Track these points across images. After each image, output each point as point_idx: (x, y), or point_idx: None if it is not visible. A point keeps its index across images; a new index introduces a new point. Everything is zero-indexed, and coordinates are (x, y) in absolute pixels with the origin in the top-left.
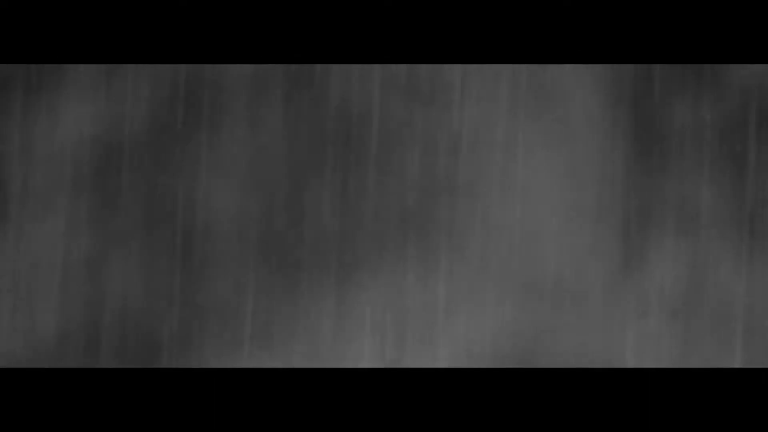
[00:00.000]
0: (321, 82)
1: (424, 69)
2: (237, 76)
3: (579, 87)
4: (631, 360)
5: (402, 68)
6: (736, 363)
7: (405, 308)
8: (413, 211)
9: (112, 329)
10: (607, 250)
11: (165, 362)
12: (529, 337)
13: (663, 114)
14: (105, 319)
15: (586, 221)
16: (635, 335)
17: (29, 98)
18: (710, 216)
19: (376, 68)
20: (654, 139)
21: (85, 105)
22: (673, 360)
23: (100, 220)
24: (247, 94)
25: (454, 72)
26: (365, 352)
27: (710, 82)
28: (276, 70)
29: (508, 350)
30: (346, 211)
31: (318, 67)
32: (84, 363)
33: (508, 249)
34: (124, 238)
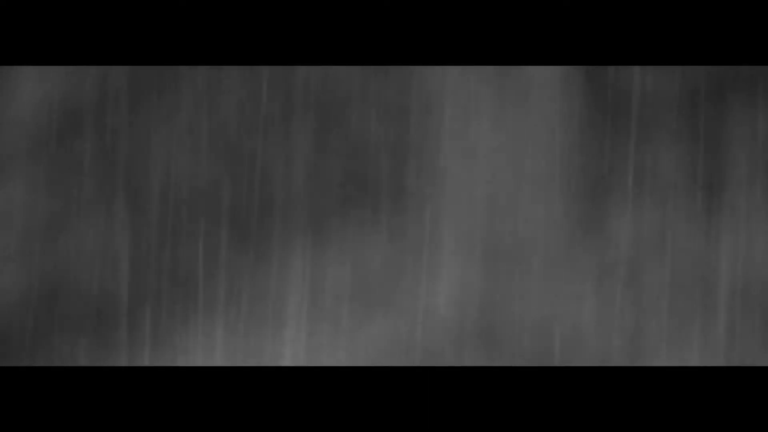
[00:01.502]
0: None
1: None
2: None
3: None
4: (589, 326)
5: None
6: (695, 331)
7: (368, 274)
8: (376, 176)
9: (70, 296)
10: (568, 216)
11: (124, 331)
12: (492, 302)
13: (619, 84)
14: (63, 287)
15: (547, 187)
16: (595, 301)
17: None
18: (670, 182)
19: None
20: (612, 107)
21: (42, 81)
22: (632, 327)
23: (58, 188)
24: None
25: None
26: (331, 316)
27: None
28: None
29: (469, 316)
30: (309, 175)
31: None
32: (41, 330)
33: (471, 215)
34: (82, 205)
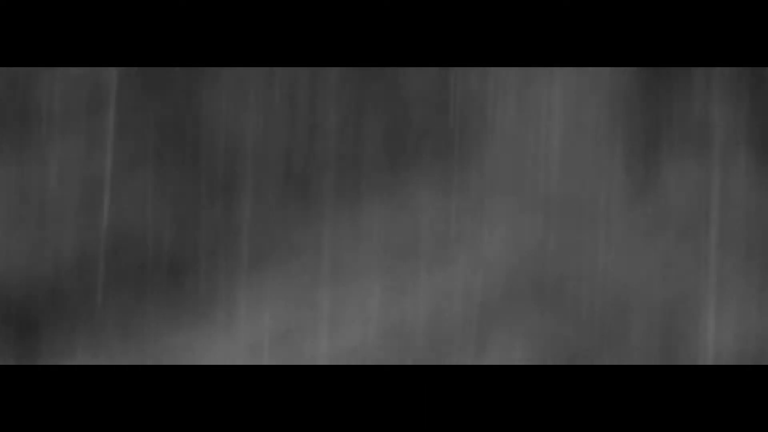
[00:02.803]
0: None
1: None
2: None
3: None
4: (645, 280)
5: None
6: (746, 284)
7: (420, 228)
8: (425, 128)
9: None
10: (622, 170)
11: (182, 283)
12: (549, 257)
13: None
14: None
15: (598, 141)
16: (650, 257)
17: None
18: (725, 138)
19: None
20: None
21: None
22: (687, 283)
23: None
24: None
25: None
26: (379, 271)
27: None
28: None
29: (525, 270)
30: (355, 128)
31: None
32: (92, 286)
33: (523, 169)
34: (138, 161)
